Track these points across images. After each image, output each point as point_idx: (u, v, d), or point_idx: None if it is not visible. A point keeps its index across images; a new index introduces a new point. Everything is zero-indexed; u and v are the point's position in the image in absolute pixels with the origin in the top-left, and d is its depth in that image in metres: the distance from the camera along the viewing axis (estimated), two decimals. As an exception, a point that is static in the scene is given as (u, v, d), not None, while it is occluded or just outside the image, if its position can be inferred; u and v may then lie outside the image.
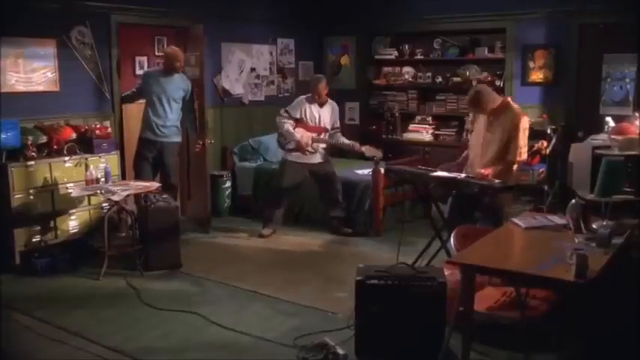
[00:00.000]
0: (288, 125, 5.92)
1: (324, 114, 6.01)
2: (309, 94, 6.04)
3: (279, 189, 6.08)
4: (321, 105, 6.00)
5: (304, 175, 6.06)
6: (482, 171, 4.39)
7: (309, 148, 5.92)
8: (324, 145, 6.04)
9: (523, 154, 4.54)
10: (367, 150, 5.95)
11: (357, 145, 5.96)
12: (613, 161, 3.75)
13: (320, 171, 6.04)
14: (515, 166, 4.59)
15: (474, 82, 6.89)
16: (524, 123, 4.51)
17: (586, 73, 6.57)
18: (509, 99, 4.76)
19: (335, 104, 6.15)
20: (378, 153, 5.97)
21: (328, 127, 6.05)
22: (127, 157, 6.14)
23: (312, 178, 6.09)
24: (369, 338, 3.45)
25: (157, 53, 7.37)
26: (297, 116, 5.93)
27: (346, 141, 6.08)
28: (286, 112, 6.00)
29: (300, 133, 5.90)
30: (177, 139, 6.02)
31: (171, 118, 5.86)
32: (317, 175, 6.06)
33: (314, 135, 5.95)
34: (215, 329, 3.99)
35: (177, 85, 5.89)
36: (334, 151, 6.75)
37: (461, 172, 4.66)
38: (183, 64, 5.95)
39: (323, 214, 6.19)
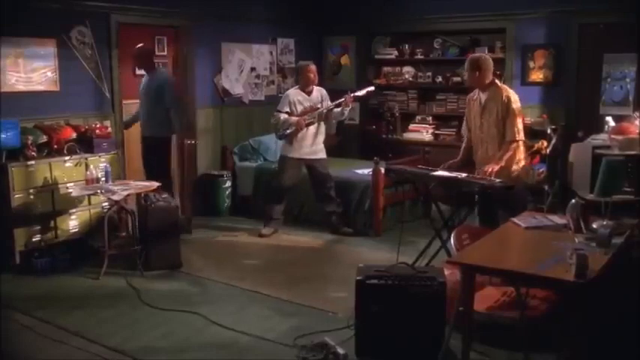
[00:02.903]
0: (284, 115, 5.90)
1: (315, 101, 5.97)
2: (296, 86, 6.06)
3: (280, 185, 6.08)
4: (309, 94, 5.97)
5: (303, 170, 6.07)
6: (487, 169, 4.41)
7: (306, 117, 5.86)
8: (322, 136, 6.02)
9: (521, 132, 4.58)
10: (358, 93, 5.96)
11: (346, 97, 5.83)
12: (613, 161, 3.75)
13: (317, 167, 6.03)
14: (521, 149, 4.62)
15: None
16: (515, 97, 4.60)
17: (586, 73, 6.57)
18: (496, 79, 4.81)
19: (323, 89, 6.13)
20: (369, 87, 6.08)
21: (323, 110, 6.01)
22: (128, 156, 6.15)
23: (307, 173, 6.09)
24: (369, 338, 3.45)
25: (156, 53, 7.36)
26: (287, 110, 5.91)
27: (333, 103, 5.96)
28: (277, 111, 5.98)
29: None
30: (160, 134, 6.10)
31: (151, 114, 6.03)
32: (313, 170, 6.04)
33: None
34: (215, 329, 3.99)
35: (153, 82, 6.06)
36: (334, 151, 6.74)
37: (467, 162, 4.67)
38: (148, 60, 6.15)
39: (322, 214, 6.18)
